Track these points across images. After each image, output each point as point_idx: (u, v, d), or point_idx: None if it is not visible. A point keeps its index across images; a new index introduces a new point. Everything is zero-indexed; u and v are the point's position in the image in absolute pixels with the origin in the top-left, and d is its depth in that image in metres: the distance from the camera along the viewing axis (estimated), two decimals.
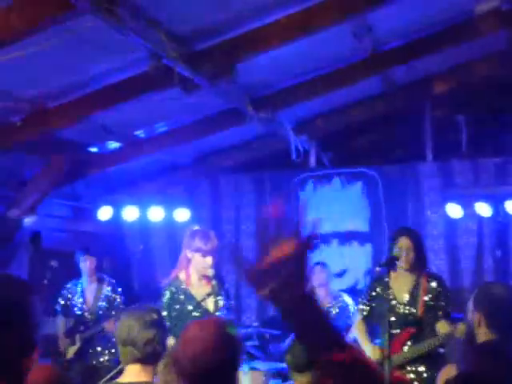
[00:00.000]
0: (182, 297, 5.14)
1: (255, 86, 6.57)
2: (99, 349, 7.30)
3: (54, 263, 7.04)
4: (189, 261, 5.19)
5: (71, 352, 7.28)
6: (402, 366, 5.23)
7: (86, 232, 8.60)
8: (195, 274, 5.20)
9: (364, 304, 5.63)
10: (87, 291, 7.42)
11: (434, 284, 5.36)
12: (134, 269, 9.08)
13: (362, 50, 6.32)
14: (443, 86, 7.88)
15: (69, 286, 7.44)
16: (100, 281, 7.48)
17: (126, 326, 3.22)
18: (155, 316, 3.28)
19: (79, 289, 7.41)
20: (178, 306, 5.10)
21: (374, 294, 5.53)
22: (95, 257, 7.45)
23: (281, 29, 5.29)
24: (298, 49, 5.70)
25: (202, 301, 5.10)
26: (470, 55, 7.43)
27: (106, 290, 7.43)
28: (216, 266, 5.24)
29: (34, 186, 7.12)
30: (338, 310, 6.87)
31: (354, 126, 8.52)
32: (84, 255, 7.37)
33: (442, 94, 8.07)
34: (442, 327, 5.18)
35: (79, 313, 7.37)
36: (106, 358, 7.30)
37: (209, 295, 5.14)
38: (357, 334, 5.70)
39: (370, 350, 5.41)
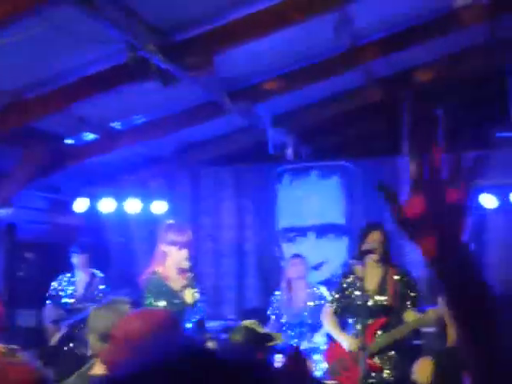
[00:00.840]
0: (163, 290, 5.14)
1: (234, 78, 6.56)
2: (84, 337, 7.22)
3: (29, 255, 6.98)
4: (165, 255, 5.19)
5: (55, 339, 7.22)
6: (374, 354, 5.34)
7: (63, 224, 8.55)
8: (172, 268, 5.20)
9: (334, 296, 5.80)
10: (79, 283, 7.45)
11: (400, 276, 5.52)
12: (112, 261, 9.03)
13: (341, 43, 6.32)
14: (423, 78, 7.91)
15: (60, 277, 7.44)
16: (92, 276, 7.53)
17: (104, 318, 3.21)
18: (128, 308, 3.28)
19: (71, 280, 7.43)
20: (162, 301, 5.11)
21: (344, 285, 5.67)
22: (88, 253, 7.48)
23: (260, 21, 5.28)
24: (277, 41, 5.70)
25: (179, 292, 5.11)
26: (450, 48, 7.46)
27: (98, 283, 7.49)
28: (191, 258, 5.25)
29: (10, 178, 7.05)
30: (315, 303, 6.88)
31: (333, 120, 8.54)
32: (78, 253, 7.43)
33: (421, 87, 8.11)
34: (409, 316, 5.36)
35: (69, 301, 7.36)
36: None
37: (185, 287, 5.14)
38: (328, 325, 5.85)
39: (346, 341, 5.53)
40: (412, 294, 5.46)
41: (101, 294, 7.33)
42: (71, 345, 7.19)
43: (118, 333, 2.51)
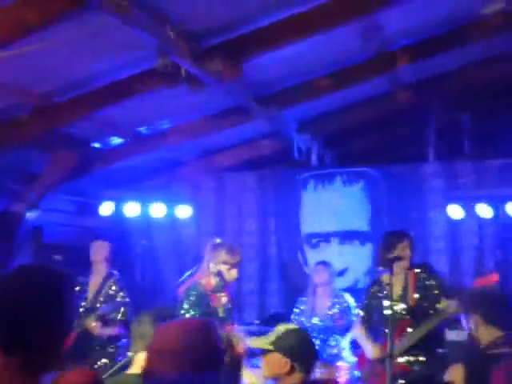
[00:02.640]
0: (203, 302, 5.14)
1: (261, 83, 6.58)
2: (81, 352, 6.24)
3: (57, 257, 7.01)
4: (210, 273, 5.20)
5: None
6: (403, 354, 5.33)
7: (88, 227, 8.61)
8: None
9: (362, 307, 5.84)
10: (90, 285, 6.66)
11: (419, 271, 5.58)
12: (137, 264, 9.08)
13: (369, 50, 6.33)
14: (449, 86, 7.90)
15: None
16: (107, 276, 6.71)
17: (139, 321, 3.30)
18: (168, 313, 3.37)
19: (84, 282, 6.63)
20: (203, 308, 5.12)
21: (373, 293, 5.71)
22: (109, 244, 6.79)
23: (288, 28, 5.30)
24: (304, 47, 5.71)
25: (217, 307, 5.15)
26: (476, 56, 7.44)
27: (110, 287, 6.64)
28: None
29: (38, 182, 7.13)
30: (339, 309, 6.89)
31: (358, 126, 8.53)
32: (93, 241, 6.79)
33: (446, 95, 8.09)
34: (443, 304, 5.37)
35: (82, 305, 6.53)
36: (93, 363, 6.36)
37: (223, 305, 5.18)
38: (357, 335, 5.87)
39: (371, 349, 5.55)
40: (436, 282, 5.52)
41: (120, 295, 6.58)
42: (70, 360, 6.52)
43: (154, 342, 2.54)
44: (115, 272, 6.78)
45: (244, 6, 5.03)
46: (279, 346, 3.43)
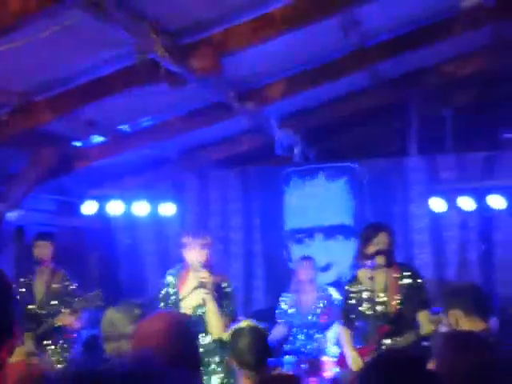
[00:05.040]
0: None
1: (241, 79, 6.57)
2: (52, 347, 6.46)
3: None
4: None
5: (18, 354, 6.55)
6: None
7: (71, 227, 8.58)
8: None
9: (342, 309, 5.71)
10: (37, 284, 6.63)
11: (406, 276, 5.39)
12: (121, 263, 9.07)
13: (349, 44, 6.34)
14: (430, 80, 7.93)
15: (22, 279, 6.61)
16: (53, 272, 6.69)
17: (110, 321, 3.26)
18: (139, 311, 3.33)
19: (30, 281, 6.63)
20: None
21: (349, 301, 5.55)
22: (52, 243, 6.68)
23: (268, 23, 5.29)
24: (285, 43, 5.70)
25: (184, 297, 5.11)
26: (456, 50, 7.47)
27: (59, 281, 6.64)
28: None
29: (19, 181, 7.08)
30: (323, 304, 6.90)
31: (340, 121, 8.55)
32: (37, 240, 6.67)
33: (428, 88, 8.13)
34: (422, 317, 5.21)
35: (30, 308, 6.50)
36: (59, 357, 6.47)
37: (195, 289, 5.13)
38: (341, 341, 5.75)
39: (353, 361, 5.44)
40: (420, 294, 5.34)
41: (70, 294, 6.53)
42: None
43: (137, 335, 2.53)
44: (58, 267, 6.76)
45: (222, 2, 5.02)
46: (230, 343, 3.51)
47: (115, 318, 3.33)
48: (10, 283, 1.71)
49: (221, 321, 4.93)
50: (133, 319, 3.28)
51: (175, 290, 5.18)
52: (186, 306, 5.05)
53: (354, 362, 5.39)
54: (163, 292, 5.19)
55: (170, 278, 5.23)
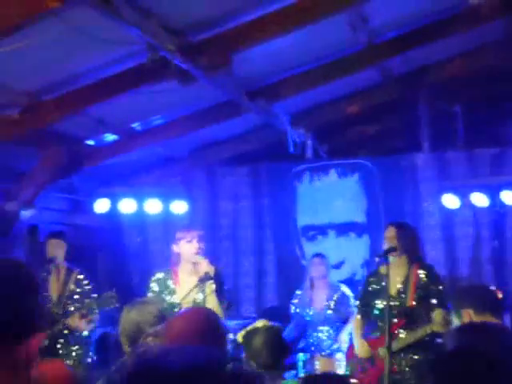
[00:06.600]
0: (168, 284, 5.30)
1: (252, 77, 6.58)
2: (61, 351, 6.28)
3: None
4: (178, 255, 5.33)
5: None
6: (395, 354, 5.18)
7: (83, 225, 8.60)
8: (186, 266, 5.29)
9: (360, 296, 5.82)
10: (52, 283, 6.49)
11: (424, 273, 5.43)
12: (132, 261, 9.07)
13: (358, 41, 6.32)
14: (440, 76, 7.89)
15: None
16: (68, 272, 6.57)
17: (132, 321, 3.27)
18: (158, 309, 3.35)
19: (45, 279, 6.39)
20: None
21: (369, 289, 5.64)
22: (65, 242, 6.62)
23: (277, 20, 5.29)
24: (294, 40, 5.71)
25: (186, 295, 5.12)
26: (467, 45, 7.44)
27: (75, 281, 6.51)
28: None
29: (31, 179, 7.10)
30: (336, 301, 6.89)
31: (351, 118, 8.52)
32: (51, 238, 6.61)
33: (438, 85, 8.09)
34: (437, 315, 5.20)
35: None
36: (71, 361, 6.30)
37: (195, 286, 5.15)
38: (353, 329, 5.86)
39: (360, 347, 5.53)
40: (437, 290, 5.36)
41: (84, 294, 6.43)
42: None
43: (170, 333, 2.56)
44: (73, 267, 6.65)
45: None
46: (244, 343, 3.49)
47: (138, 318, 3.33)
48: (36, 278, 1.74)
49: (219, 311, 4.97)
50: (155, 318, 3.29)
51: (170, 282, 5.26)
52: (187, 300, 5.08)
53: (361, 349, 5.48)
54: (155, 289, 5.25)
55: (159, 275, 5.32)
